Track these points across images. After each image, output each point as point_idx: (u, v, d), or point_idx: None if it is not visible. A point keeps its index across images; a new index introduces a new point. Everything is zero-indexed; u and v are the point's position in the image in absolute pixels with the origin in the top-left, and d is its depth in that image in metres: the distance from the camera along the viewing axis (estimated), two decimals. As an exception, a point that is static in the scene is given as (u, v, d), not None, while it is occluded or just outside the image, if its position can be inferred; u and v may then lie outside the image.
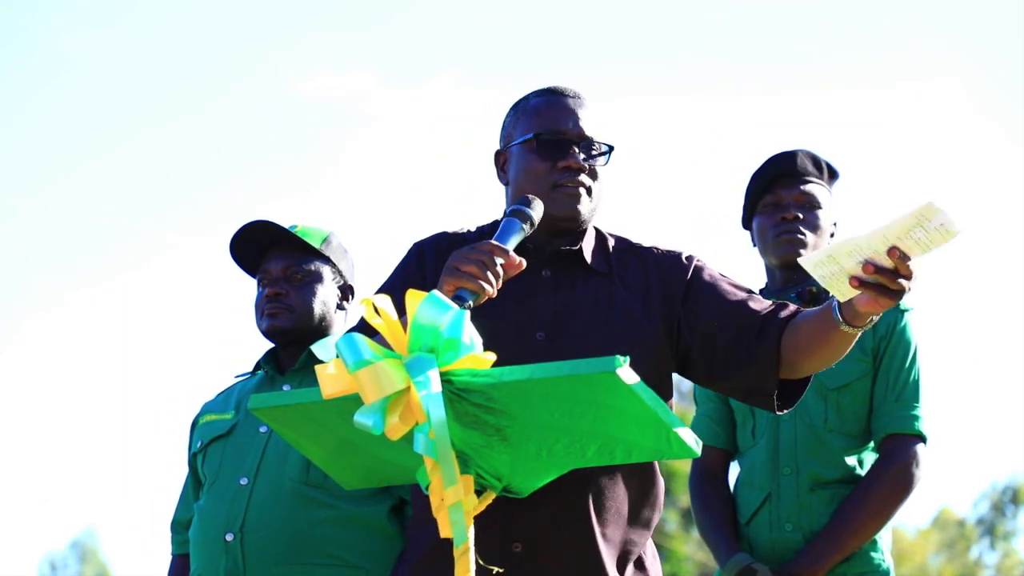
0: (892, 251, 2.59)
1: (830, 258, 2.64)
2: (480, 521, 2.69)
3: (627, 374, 2.47)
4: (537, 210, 2.91)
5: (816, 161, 4.00)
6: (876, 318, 2.79)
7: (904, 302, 3.92)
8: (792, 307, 3.00)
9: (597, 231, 3.15)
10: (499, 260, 2.73)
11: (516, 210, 2.90)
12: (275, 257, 3.80)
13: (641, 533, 3.02)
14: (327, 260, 3.82)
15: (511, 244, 2.83)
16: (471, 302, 2.70)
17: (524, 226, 2.88)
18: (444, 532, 2.59)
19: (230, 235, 3.78)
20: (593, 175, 3.05)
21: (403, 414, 2.52)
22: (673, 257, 3.11)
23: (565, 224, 3.04)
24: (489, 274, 2.72)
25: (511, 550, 2.90)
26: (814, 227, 3.93)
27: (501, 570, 2.79)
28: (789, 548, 3.83)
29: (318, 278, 3.80)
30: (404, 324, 2.58)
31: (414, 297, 2.56)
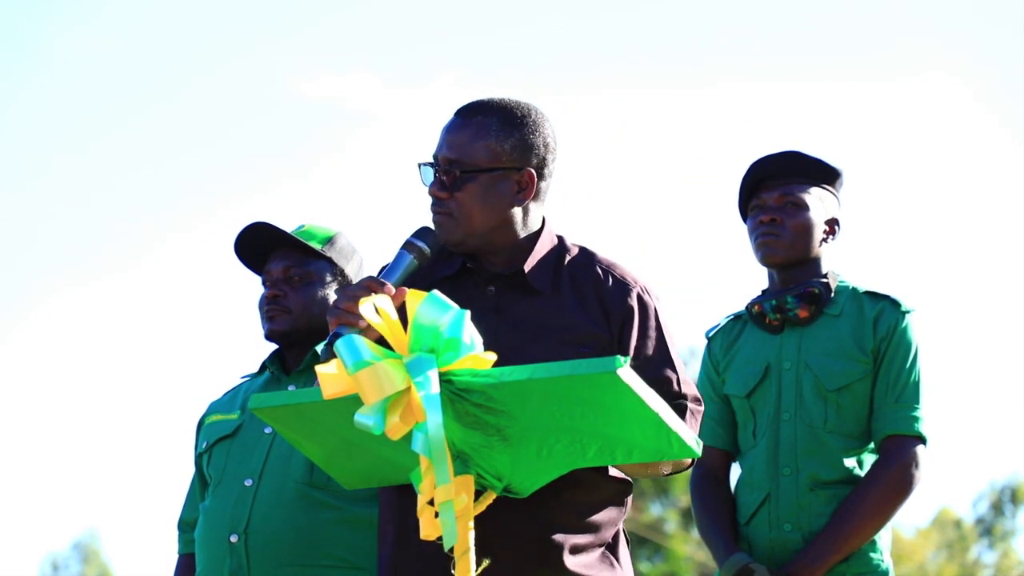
0: None
1: None
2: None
3: (628, 374, 2.47)
4: (430, 238, 2.91)
5: (804, 161, 3.97)
6: None
7: (905, 303, 3.92)
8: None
9: (560, 240, 3.05)
10: (375, 295, 2.69)
11: (407, 242, 2.90)
12: (276, 258, 3.79)
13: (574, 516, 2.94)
14: (328, 261, 3.81)
15: (398, 276, 2.83)
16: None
17: (413, 257, 2.88)
18: (425, 533, 2.58)
19: (234, 234, 3.79)
20: (453, 191, 2.93)
21: (404, 414, 2.52)
22: (622, 287, 3.00)
23: (453, 250, 3.00)
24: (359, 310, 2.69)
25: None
26: (796, 229, 3.91)
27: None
28: (788, 548, 3.83)
29: (318, 279, 3.78)
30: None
31: (414, 297, 2.57)
